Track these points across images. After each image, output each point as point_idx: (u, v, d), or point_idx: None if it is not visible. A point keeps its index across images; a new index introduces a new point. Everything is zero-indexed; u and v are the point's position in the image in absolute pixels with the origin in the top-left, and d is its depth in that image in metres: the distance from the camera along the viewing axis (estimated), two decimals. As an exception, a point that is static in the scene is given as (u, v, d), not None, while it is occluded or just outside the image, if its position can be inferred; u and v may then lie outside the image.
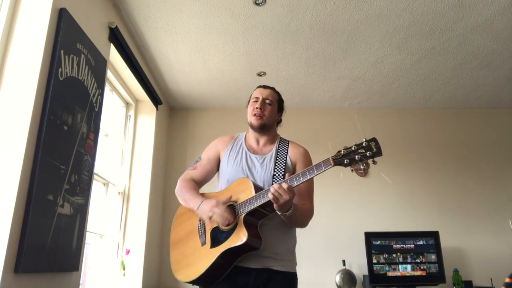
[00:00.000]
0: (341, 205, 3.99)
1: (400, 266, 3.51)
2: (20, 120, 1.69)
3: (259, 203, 1.47)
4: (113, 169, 3.22)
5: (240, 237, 1.46)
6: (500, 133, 4.25)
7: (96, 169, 2.39)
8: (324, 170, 1.41)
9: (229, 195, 1.58)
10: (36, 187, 1.67)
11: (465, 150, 4.19)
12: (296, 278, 1.62)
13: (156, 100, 3.65)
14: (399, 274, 3.48)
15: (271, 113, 1.73)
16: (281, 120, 1.83)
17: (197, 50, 3.19)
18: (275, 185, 1.42)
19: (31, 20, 1.84)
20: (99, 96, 2.34)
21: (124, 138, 3.44)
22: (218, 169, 1.78)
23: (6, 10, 1.81)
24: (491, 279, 3.58)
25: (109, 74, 2.96)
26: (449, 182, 4.07)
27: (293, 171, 1.67)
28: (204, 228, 1.60)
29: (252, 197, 1.50)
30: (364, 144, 1.40)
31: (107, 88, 3.00)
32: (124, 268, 3.09)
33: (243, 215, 1.50)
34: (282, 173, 1.62)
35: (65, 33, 1.93)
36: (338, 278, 3.53)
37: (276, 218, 1.56)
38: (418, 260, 3.52)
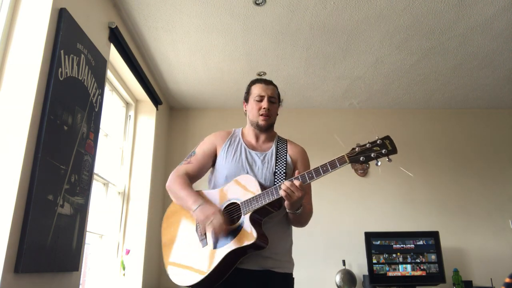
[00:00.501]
0: (341, 205, 3.99)
1: (400, 266, 3.51)
2: (20, 120, 1.69)
3: (268, 201, 1.43)
4: (113, 169, 3.22)
5: (248, 237, 1.41)
6: (500, 133, 4.25)
7: (96, 169, 2.39)
8: (339, 168, 1.39)
9: (227, 197, 1.55)
10: (36, 187, 1.67)
11: (465, 150, 4.19)
12: (293, 279, 1.61)
13: (156, 100, 3.65)
14: (399, 274, 3.48)
15: (275, 111, 1.73)
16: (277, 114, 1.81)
17: (197, 50, 3.19)
18: (287, 182, 1.39)
19: (31, 20, 1.84)
20: (99, 96, 2.34)
21: (124, 138, 3.44)
22: (212, 165, 1.72)
23: (6, 10, 1.81)
24: (491, 279, 3.58)
25: (109, 74, 2.96)
26: (449, 182, 4.07)
27: (293, 169, 1.66)
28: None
29: (259, 195, 1.46)
30: (378, 142, 1.40)
31: (107, 88, 3.00)
32: (124, 268, 3.09)
33: (250, 213, 1.45)
34: (284, 170, 1.60)
35: (65, 33, 1.93)
36: (338, 278, 3.53)
37: (275, 217, 1.55)
38: (418, 260, 3.52)
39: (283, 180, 1.57)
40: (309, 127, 4.23)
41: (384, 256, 3.53)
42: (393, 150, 1.39)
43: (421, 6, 2.64)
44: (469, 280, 3.60)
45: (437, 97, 4.06)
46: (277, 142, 1.73)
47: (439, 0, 2.58)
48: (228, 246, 1.44)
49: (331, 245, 3.84)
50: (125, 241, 3.23)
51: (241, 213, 1.49)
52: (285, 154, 1.68)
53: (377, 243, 3.56)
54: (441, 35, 2.97)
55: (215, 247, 1.47)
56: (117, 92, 3.32)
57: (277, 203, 1.47)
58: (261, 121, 1.68)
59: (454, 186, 4.05)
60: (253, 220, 1.45)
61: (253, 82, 1.78)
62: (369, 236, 3.58)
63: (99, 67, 2.33)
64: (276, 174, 1.59)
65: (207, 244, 1.50)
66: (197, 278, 1.46)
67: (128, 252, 3.15)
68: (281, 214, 1.59)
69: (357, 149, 1.41)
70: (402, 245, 3.56)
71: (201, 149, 1.72)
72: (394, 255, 3.54)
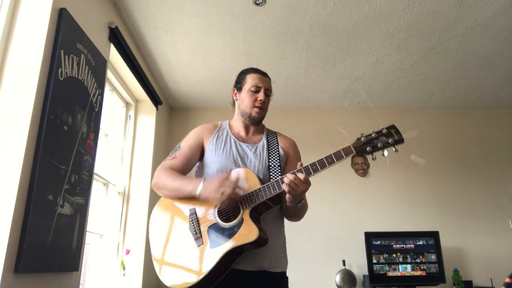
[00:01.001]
0: (341, 205, 3.99)
1: (400, 266, 3.51)
2: (20, 120, 1.69)
3: (269, 195, 1.36)
4: (113, 169, 3.22)
5: (250, 233, 1.33)
6: (500, 133, 4.25)
7: (96, 169, 2.39)
8: (345, 159, 1.34)
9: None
10: (36, 187, 1.66)
11: (465, 150, 4.19)
12: (287, 278, 1.56)
13: (156, 100, 3.65)
14: (399, 274, 3.48)
15: (268, 105, 1.67)
16: None
17: (197, 50, 3.19)
18: (290, 175, 1.32)
19: (31, 20, 1.84)
20: (99, 96, 2.34)
21: (124, 138, 3.44)
22: (200, 159, 1.63)
23: (6, 10, 1.81)
24: (491, 279, 3.58)
25: (109, 74, 2.96)
26: (449, 182, 4.07)
27: (285, 162, 1.61)
28: (199, 227, 1.44)
29: (259, 189, 1.39)
30: (384, 131, 1.36)
31: (107, 88, 3.00)
32: (124, 268, 3.09)
33: (250, 208, 1.38)
34: (278, 163, 1.54)
35: (65, 33, 1.93)
36: (338, 278, 3.53)
37: (271, 213, 1.50)
38: (418, 260, 3.52)
39: (279, 173, 1.52)
40: (309, 127, 4.23)
41: (384, 256, 3.53)
42: (400, 140, 1.34)
43: (421, 6, 2.64)
44: (469, 280, 3.60)
45: (437, 97, 4.06)
46: (267, 134, 1.68)
47: (439, 0, 2.58)
48: (226, 245, 1.35)
49: (331, 245, 3.84)
50: (125, 241, 3.22)
51: (237, 209, 1.42)
52: (276, 146, 1.62)
53: (377, 243, 3.56)
54: (441, 35, 2.97)
55: (212, 246, 1.38)
56: (117, 92, 3.32)
57: (277, 198, 1.42)
58: (255, 113, 1.61)
59: (454, 186, 4.05)
60: (253, 216, 1.38)
61: (248, 71, 1.69)
62: (369, 236, 3.58)
63: (99, 67, 2.33)
64: (271, 167, 1.54)
65: (202, 243, 1.40)
66: (193, 279, 1.36)
67: (128, 252, 3.15)
68: (276, 209, 1.54)
69: (362, 139, 1.36)
70: (402, 245, 3.56)
71: (187, 142, 1.63)
72: (394, 255, 3.54)
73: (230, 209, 1.44)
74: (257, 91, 1.62)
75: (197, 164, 1.66)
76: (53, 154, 1.80)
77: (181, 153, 1.60)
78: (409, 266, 3.51)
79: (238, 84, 1.68)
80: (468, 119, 4.32)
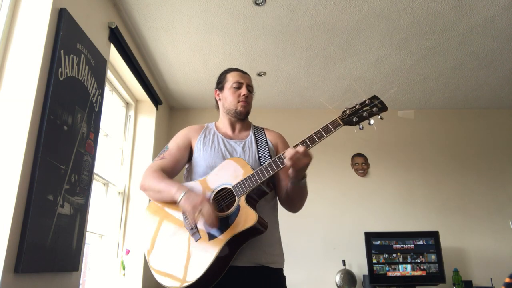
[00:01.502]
0: (341, 205, 3.98)
1: (400, 266, 3.51)
2: (20, 120, 1.69)
3: (267, 175, 1.36)
4: (113, 169, 3.22)
5: (249, 218, 1.31)
6: (500, 133, 4.25)
7: (96, 169, 2.39)
8: (333, 132, 1.40)
9: (213, 185, 1.45)
10: (36, 187, 1.66)
11: (465, 150, 4.19)
12: (285, 276, 1.54)
13: (156, 100, 3.65)
14: (399, 274, 3.48)
15: (251, 101, 1.69)
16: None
17: (197, 50, 3.19)
18: (290, 150, 1.33)
19: (31, 20, 1.84)
20: (99, 96, 2.34)
21: (124, 138, 3.44)
22: (188, 159, 1.63)
23: (6, 10, 1.81)
24: (491, 279, 3.58)
25: (109, 74, 2.96)
26: (449, 182, 4.07)
27: (276, 153, 1.61)
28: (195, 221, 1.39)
29: (253, 173, 1.38)
30: (367, 102, 1.42)
31: (107, 88, 3.00)
32: (124, 268, 3.09)
33: (245, 194, 1.37)
34: (268, 154, 1.55)
35: (65, 33, 1.93)
36: (338, 278, 3.53)
37: (266, 204, 1.50)
38: (418, 260, 3.52)
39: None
40: (309, 127, 4.22)
41: (384, 256, 3.53)
42: (383, 107, 1.41)
43: (421, 6, 2.64)
44: (469, 280, 3.60)
45: (437, 97, 4.06)
46: (254, 130, 1.70)
47: (439, 0, 2.58)
48: (225, 234, 1.32)
49: (331, 245, 3.84)
50: (125, 241, 3.22)
51: (231, 199, 1.40)
52: (264, 139, 1.63)
53: (377, 243, 3.56)
54: (441, 35, 2.97)
55: (211, 238, 1.34)
56: (117, 92, 3.32)
57: (271, 182, 1.44)
58: (240, 107, 1.63)
59: (454, 186, 4.05)
60: (250, 202, 1.37)
61: (228, 71, 1.72)
62: (369, 236, 3.58)
63: (99, 67, 2.33)
64: (261, 158, 1.54)
65: (200, 237, 1.36)
66: (193, 277, 1.30)
67: (128, 252, 3.15)
68: (271, 201, 1.54)
69: (348, 111, 1.43)
70: (402, 245, 3.56)
71: (175, 143, 1.64)
72: (394, 255, 3.54)
73: (225, 199, 1.42)
74: (239, 87, 1.65)
75: (186, 166, 1.66)
76: (53, 154, 1.80)
77: (170, 154, 1.61)
78: (409, 266, 3.51)
79: (220, 84, 1.72)
80: (468, 119, 4.32)
